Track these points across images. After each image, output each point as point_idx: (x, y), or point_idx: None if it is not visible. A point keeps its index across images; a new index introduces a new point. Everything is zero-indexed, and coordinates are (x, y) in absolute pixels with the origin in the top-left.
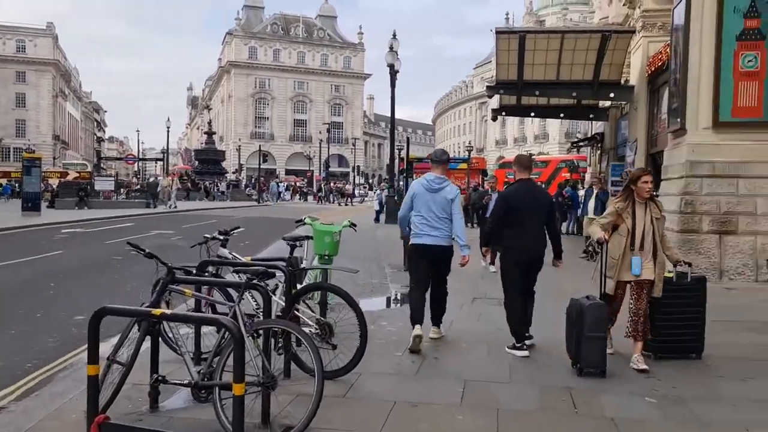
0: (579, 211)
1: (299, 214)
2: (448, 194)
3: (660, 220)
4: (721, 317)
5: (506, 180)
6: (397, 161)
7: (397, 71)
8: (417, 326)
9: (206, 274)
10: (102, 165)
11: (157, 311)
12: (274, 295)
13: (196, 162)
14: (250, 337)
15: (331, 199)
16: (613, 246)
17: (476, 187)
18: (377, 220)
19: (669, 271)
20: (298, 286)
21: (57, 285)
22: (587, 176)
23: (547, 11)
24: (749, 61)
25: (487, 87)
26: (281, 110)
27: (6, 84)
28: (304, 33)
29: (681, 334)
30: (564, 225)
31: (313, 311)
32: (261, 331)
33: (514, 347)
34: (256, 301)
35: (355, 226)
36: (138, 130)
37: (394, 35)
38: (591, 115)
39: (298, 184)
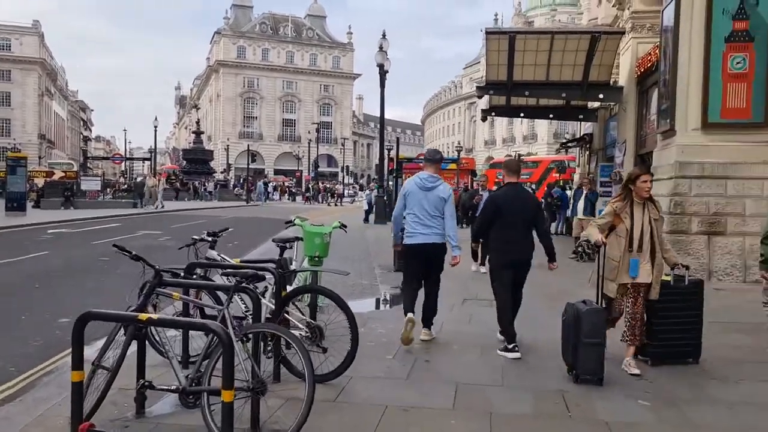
0: (568, 212)
1: (288, 215)
2: (442, 193)
3: (659, 221)
4: (711, 318)
5: (497, 180)
6: (386, 161)
7: (387, 71)
8: (410, 314)
9: (194, 276)
10: (89, 164)
11: (143, 316)
12: (264, 297)
13: (184, 162)
14: (240, 342)
15: (320, 200)
16: (612, 247)
17: (466, 188)
18: (366, 220)
19: (666, 274)
20: (288, 288)
21: (42, 286)
22: (576, 177)
23: (536, 12)
24: (738, 62)
25: (477, 87)
26: (270, 110)
27: None
28: (293, 32)
29: (678, 339)
30: (553, 226)
31: (303, 314)
32: (250, 335)
33: (506, 349)
34: (245, 303)
35: (345, 227)
36: (125, 130)
37: (384, 35)
38: (580, 116)
39: (286, 184)
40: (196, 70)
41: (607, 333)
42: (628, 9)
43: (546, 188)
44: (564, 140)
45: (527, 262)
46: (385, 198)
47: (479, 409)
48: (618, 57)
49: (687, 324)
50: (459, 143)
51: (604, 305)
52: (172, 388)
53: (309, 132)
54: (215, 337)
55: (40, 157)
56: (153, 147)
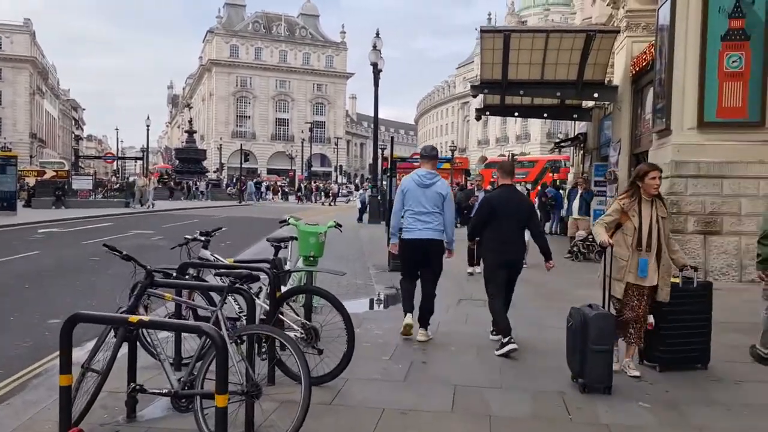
0: (563, 212)
1: (281, 214)
2: (440, 189)
3: (666, 219)
4: None
5: (492, 180)
6: (380, 160)
7: (381, 70)
8: (408, 315)
9: (187, 276)
10: (80, 164)
11: (134, 318)
12: (258, 298)
13: (177, 161)
14: (234, 344)
15: (313, 199)
16: (620, 246)
17: (463, 187)
18: (360, 220)
19: (675, 276)
20: (283, 289)
21: (32, 287)
22: (570, 176)
23: (529, 12)
24: (734, 61)
25: (472, 86)
26: (263, 109)
27: None
28: (286, 31)
29: (687, 343)
30: (547, 225)
31: (298, 315)
32: (245, 337)
33: (502, 346)
34: (239, 304)
35: (340, 226)
36: (117, 129)
37: (378, 34)
38: (575, 115)
39: (278, 183)
40: (189, 69)
41: (618, 342)
42: (623, 8)
43: (540, 188)
44: (557, 140)
45: (519, 261)
46: (378, 197)
47: (478, 412)
48: (613, 56)
49: (697, 328)
50: (453, 143)
51: (614, 310)
52: (164, 391)
53: (302, 131)
54: (208, 340)
55: (31, 156)
56: (145, 146)
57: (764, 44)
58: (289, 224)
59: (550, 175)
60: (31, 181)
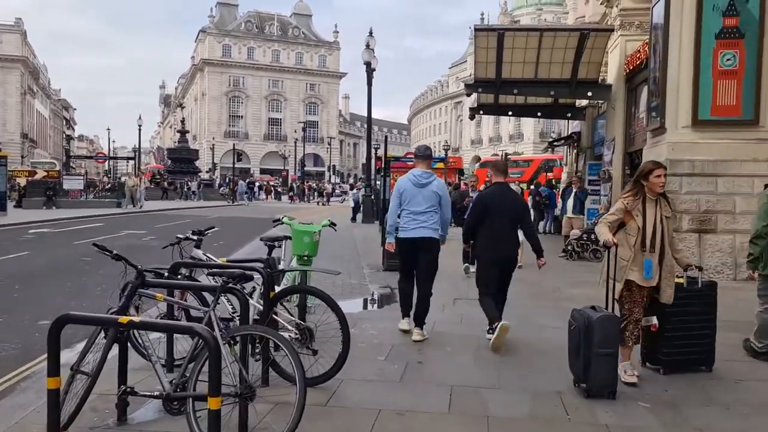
0: (557, 211)
1: (273, 214)
2: (436, 188)
3: (670, 218)
4: None
5: (487, 179)
6: (374, 160)
7: (374, 69)
8: (405, 320)
9: (179, 276)
10: (71, 164)
11: (124, 319)
12: (252, 298)
13: (169, 161)
14: (227, 345)
15: (306, 199)
16: (622, 247)
17: (456, 186)
18: (354, 219)
19: (679, 276)
20: (277, 289)
21: (22, 288)
22: (563, 175)
23: (522, 11)
24: (728, 59)
25: (466, 85)
26: (256, 109)
27: None
28: (279, 31)
29: (692, 345)
30: (541, 224)
31: (292, 315)
32: (238, 338)
33: (492, 331)
34: (232, 304)
35: (335, 225)
36: (108, 129)
37: (371, 33)
38: (568, 114)
39: (271, 183)
40: (181, 68)
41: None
42: (617, 6)
43: (533, 187)
44: (551, 139)
45: (513, 259)
46: (372, 197)
47: (476, 413)
48: (607, 55)
49: (701, 329)
50: (446, 142)
51: (620, 312)
52: (156, 394)
53: (295, 131)
54: (201, 341)
55: (22, 157)
56: (137, 146)
57: (758, 42)
58: (282, 223)
59: (545, 174)
60: (22, 181)
